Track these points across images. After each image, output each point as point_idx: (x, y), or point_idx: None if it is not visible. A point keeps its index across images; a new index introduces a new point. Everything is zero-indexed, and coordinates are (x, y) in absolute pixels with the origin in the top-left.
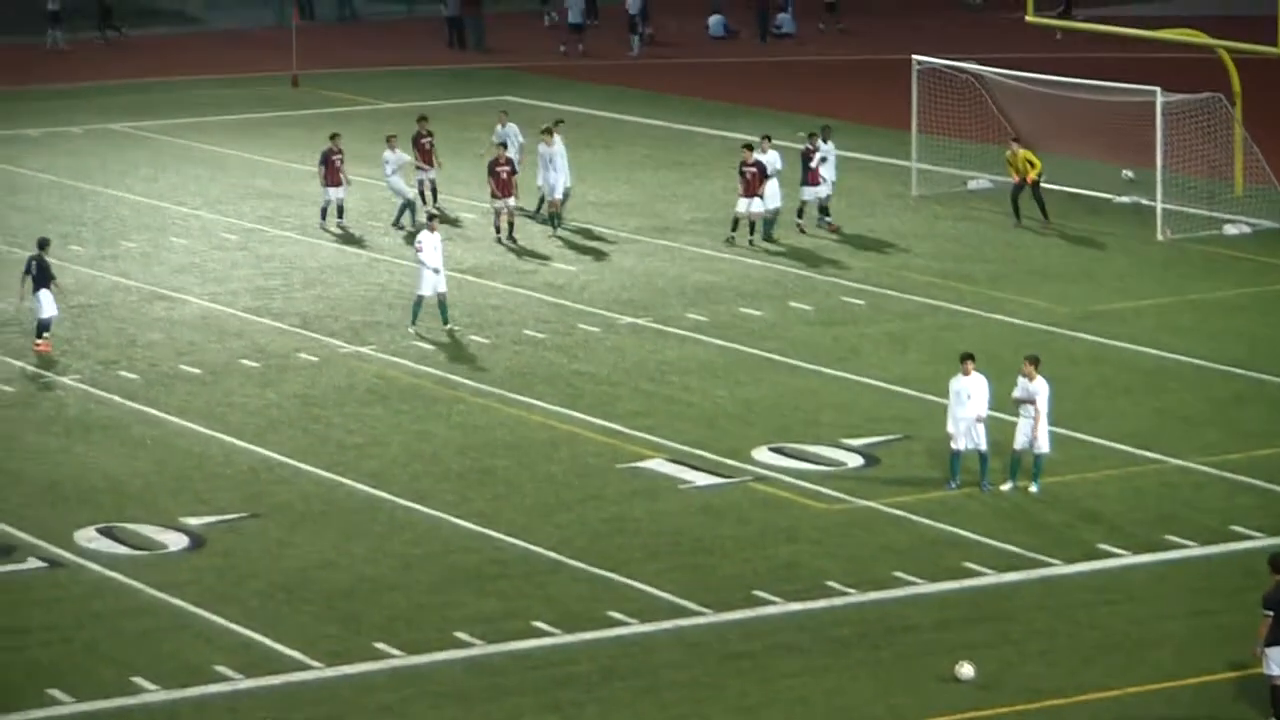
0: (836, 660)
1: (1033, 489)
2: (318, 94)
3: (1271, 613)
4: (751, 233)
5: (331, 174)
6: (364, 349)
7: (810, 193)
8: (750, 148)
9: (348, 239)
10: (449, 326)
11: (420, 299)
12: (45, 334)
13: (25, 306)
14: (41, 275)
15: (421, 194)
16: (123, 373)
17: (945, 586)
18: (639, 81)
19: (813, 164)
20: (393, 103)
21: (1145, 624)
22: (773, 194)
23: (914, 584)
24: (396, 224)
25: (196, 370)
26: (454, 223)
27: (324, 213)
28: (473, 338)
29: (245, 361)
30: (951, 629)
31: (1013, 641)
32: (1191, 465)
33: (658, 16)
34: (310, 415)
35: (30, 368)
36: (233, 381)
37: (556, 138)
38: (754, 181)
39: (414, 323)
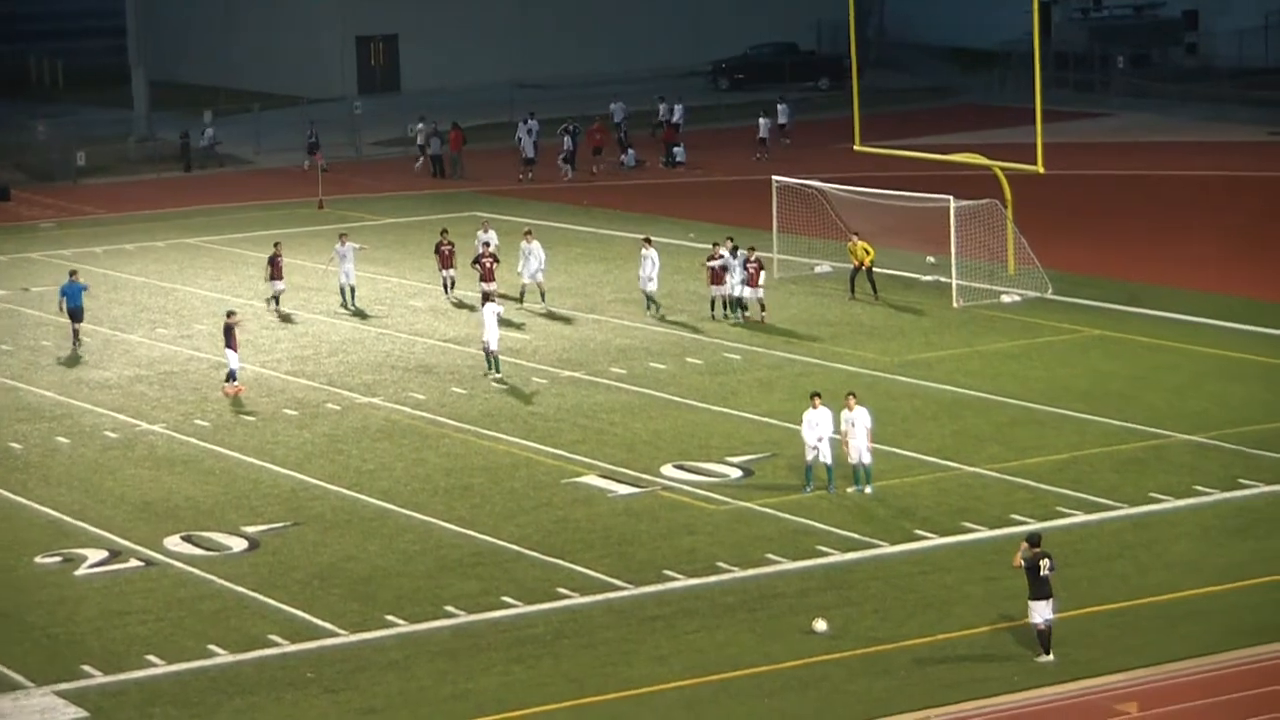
0: (725, 620)
1: (867, 490)
2: (337, 214)
3: (1029, 573)
4: (725, 308)
5: (276, 271)
6: (375, 399)
7: (750, 292)
8: (717, 245)
9: (358, 316)
10: (499, 375)
11: (487, 353)
12: (234, 380)
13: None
14: (229, 339)
15: (445, 286)
16: (197, 421)
17: (804, 564)
18: (574, 200)
19: (750, 270)
20: (392, 218)
21: (950, 588)
22: (733, 283)
23: (781, 563)
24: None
25: (251, 418)
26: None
27: (276, 300)
28: (453, 389)
29: (287, 410)
30: (809, 595)
31: (854, 603)
32: (981, 471)
33: (582, 152)
34: (335, 449)
35: (129, 419)
36: (278, 425)
37: (534, 240)
38: (720, 273)
39: (490, 370)
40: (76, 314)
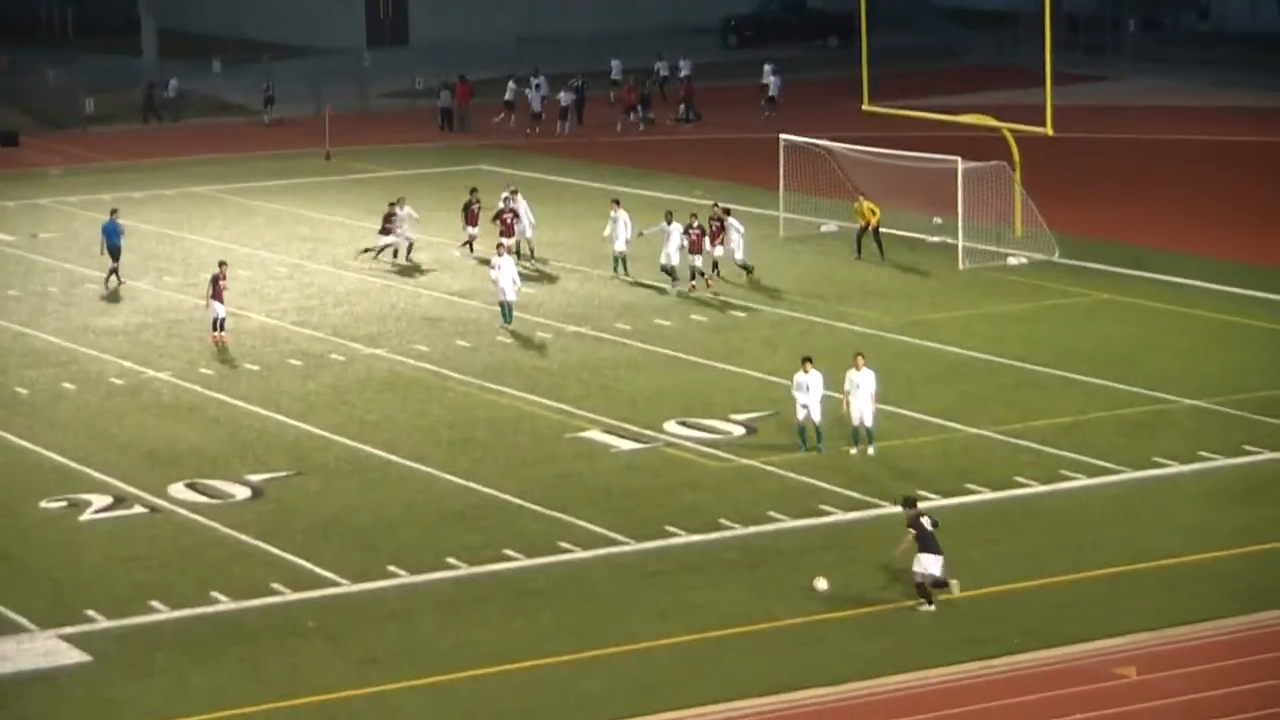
0: (726, 576)
1: (870, 451)
2: (345, 165)
3: (913, 531)
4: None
5: (387, 226)
6: (379, 351)
7: (699, 259)
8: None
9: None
10: (510, 326)
11: (502, 304)
12: (222, 329)
13: (206, 311)
14: (216, 288)
15: (469, 244)
16: (202, 369)
17: (805, 523)
18: (581, 154)
19: (693, 236)
20: (400, 170)
21: (951, 549)
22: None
23: (782, 521)
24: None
25: (256, 367)
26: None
27: (406, 251)
28: (458, 342)
29: (292, 361)
30: (809, 554)
31: (855, 563)
32: (984, 433)
33: (591, 106)
34: (340, 399)
35: (135, 366)
36: (282, 375)
37: (520, 198)
38: (716, 233)
39: (504, 320)
40: (115, 253)
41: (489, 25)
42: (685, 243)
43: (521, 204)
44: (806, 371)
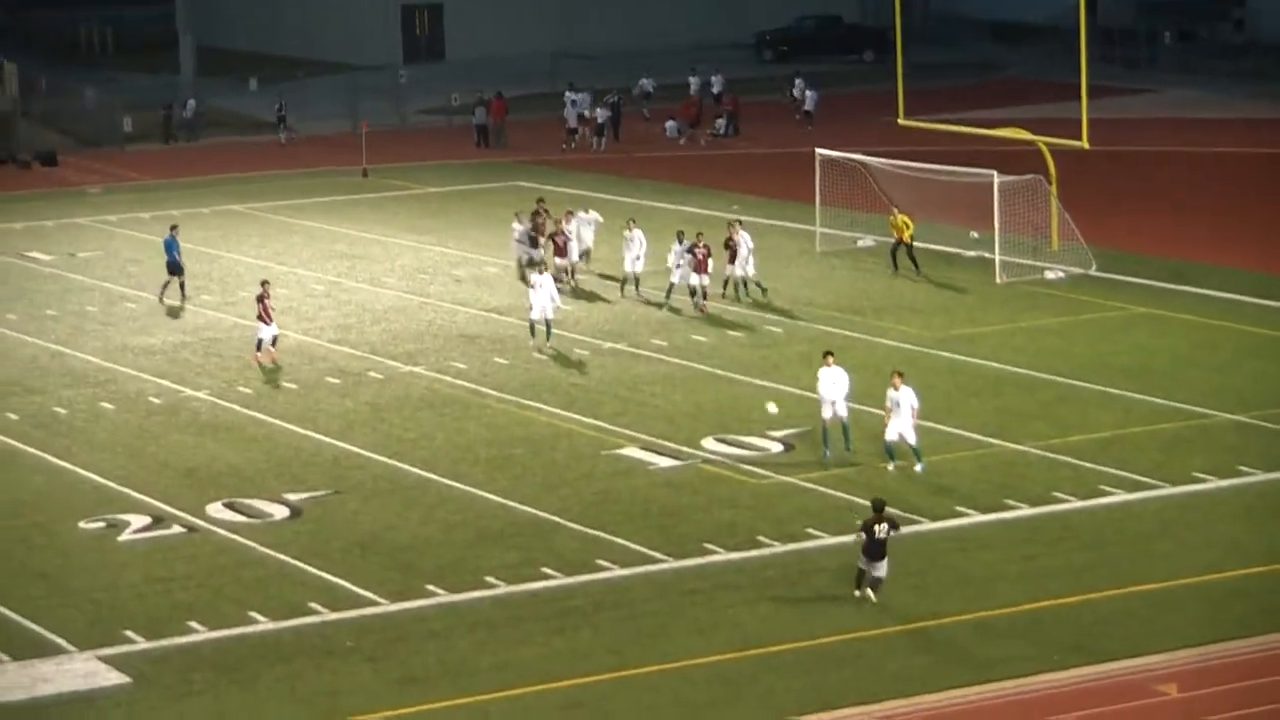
0: (765, 594)
1: (917, 468)
2: (381, 182)
3: (865, 534)
4: (736, 289)
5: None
6: (416, 369)
7: (697, 279)
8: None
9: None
10: (550, 344)
11: (532, 322)
12: (261, 349)
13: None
14: (263, 309)
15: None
16: (240, 388)
17: (844, 539)
18: (616, 170)
19: (699, 255)
20: (437, 187)
21: (990, 565)
22: (744, 261)
23: (821, 538)
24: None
25: (294, 385)
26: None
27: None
28: (495, 359)
29: (329, 379)
30: (848, 570)
31: (893, 579)
32: (1023, 448)
33: (628, 123)
34: (378, 417)
35: (173, 385)
36: (320, 393)
37: (577, 218)
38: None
39: (533, 338)
40: (171, 267)
41: (524, 41)
42: (683, 261)
43: (574, 226)
44: (829, 365)
